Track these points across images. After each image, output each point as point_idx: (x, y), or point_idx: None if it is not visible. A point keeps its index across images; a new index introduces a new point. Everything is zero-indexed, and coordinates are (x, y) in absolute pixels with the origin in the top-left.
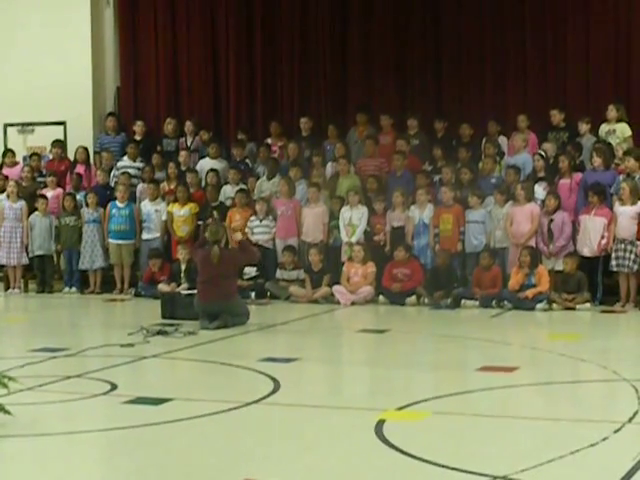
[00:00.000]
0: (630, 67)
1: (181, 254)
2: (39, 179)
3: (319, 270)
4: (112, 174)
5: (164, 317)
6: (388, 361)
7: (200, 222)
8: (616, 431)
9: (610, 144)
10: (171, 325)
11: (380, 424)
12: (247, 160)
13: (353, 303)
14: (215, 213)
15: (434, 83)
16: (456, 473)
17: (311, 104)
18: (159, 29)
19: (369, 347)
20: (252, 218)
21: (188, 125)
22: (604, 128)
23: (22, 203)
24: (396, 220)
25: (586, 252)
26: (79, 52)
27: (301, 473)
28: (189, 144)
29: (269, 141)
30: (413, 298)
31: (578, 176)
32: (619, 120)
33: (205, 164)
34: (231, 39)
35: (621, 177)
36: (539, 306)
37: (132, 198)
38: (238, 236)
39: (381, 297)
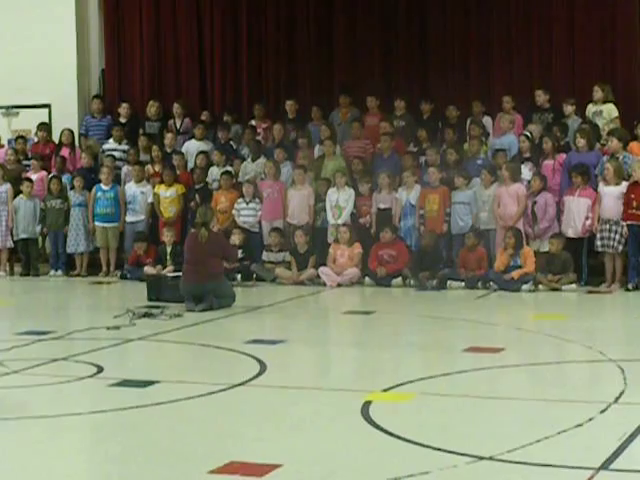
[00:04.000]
0: (615, 47)
1: (167, 236)
2: (24, 162)
3: (305, 252)
4: (99, 157)
5: (150, 300)
6: (374, 342)
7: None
8: (602, 411)
9: (596, 125)
10: (157, 307)
11: (366, 405)
12: (232, 142)
13: (339, 285)
14: (197, 196)
15: (420, 64)
16: (442, 454)
17: (297, 86)
18: (144, 11)
19: (355, 329)
20: (239, 200)
21: (176, 107)
22: (591, 109)
23: (7, 186)
24: (382, 202)
25: (570, 233)
26: (64, 34)
27: (288, 455)
28: (178, 126)
29: (253, 123)
30: (399, 279)
31: (562, 157)
32: (606, 101)
33: (191, 146)
34: (216, 21)
35: (605, 158)
36: (525, 287)
37: (117, 181)
38: (235, 240)
39: (367, 279)
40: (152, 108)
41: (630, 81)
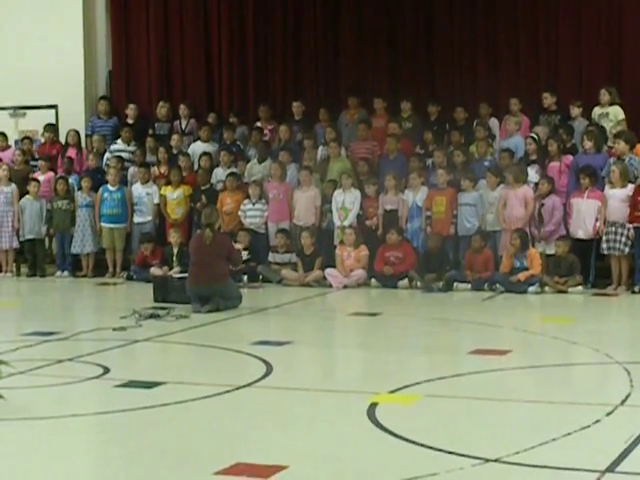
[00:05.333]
0: (622, 50)
1: (173, 237)
2: (31, 163)
3: (311, 253)
4: (105, 157)
5: (156, 301)
6: (380, 344)
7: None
8: (608, 414)
9: (602, 127)
10: (163, 309)
11: (372, 407)
12: (238, 143)
13: (345, 286)
14: (204, 197)
15: (427, 66)
16: (448, 456)
17: (304, 88)
18: (151, 12)
19: (361, 330)
20: (245, 202)
21: (182, 108)
22: (597, 111)
23: (13, 187)
24: (389, 203)
25: (581, 234)
26: (71, 35)
27: (294, 456)
28: (184, 127)
29: (259, 124)
30: (405, 281)
31: (568, 158)
32: (612, 103)
33: (197, 147)
34: (223, 22)
35: (611, 160)
36: (531, 289)
37: (124, 182)
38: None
39: (373, 280)
40: (162, 109)
41: (637, 83)
